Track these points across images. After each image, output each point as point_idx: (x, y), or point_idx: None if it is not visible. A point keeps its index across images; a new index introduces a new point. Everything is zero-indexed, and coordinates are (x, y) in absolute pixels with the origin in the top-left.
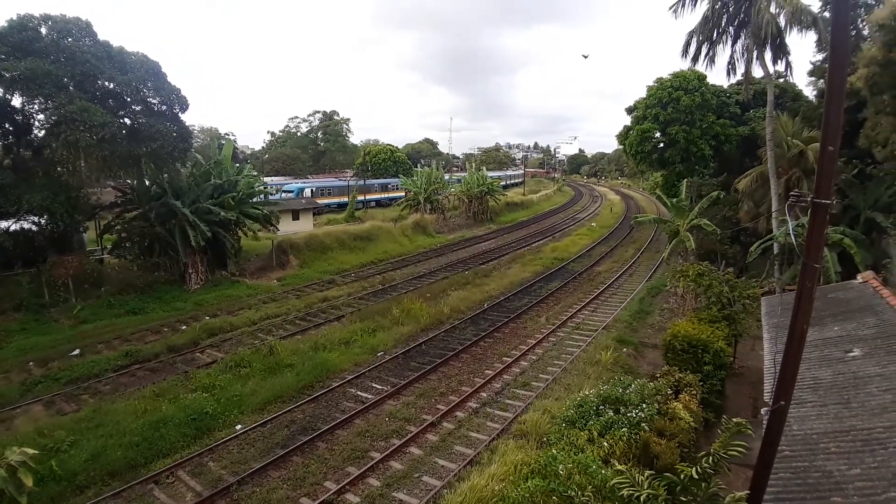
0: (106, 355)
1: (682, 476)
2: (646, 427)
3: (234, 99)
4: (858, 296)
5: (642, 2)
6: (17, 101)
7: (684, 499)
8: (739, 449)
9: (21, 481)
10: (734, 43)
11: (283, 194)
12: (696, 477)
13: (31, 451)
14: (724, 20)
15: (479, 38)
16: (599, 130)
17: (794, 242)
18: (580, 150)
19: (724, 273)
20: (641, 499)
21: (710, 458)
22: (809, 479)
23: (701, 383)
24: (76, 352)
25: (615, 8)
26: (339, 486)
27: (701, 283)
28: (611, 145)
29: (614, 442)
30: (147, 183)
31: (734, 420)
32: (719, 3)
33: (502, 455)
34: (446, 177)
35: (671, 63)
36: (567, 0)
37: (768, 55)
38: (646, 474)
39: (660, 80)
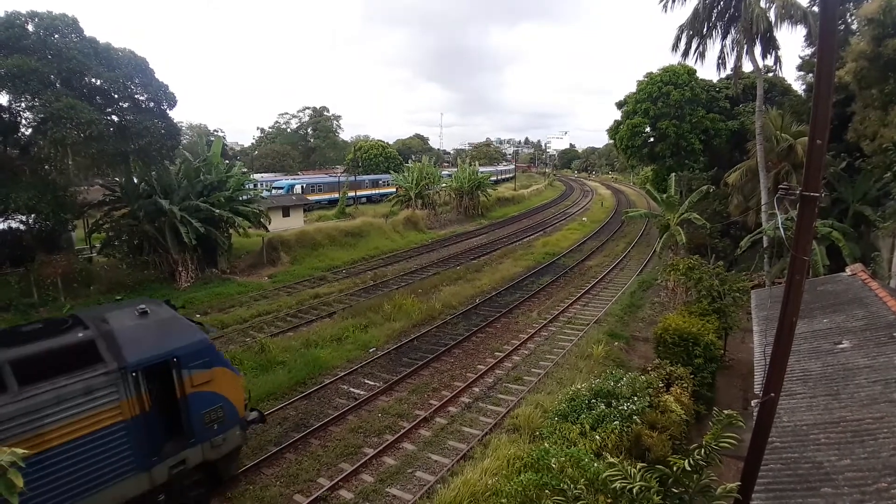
0: None
1: (674, 468)
2: (637, 420)
3: (223, 95)
4: (847, 288)
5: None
6: (3, 99)
7: (676, 491)
8: (731, 440)
9: (12, 482)
10: (724, 37)
11: (274, 191)
12: (689, 469)
13: (20, 451)
14: (714, 15)
15: (468, 35)
16: (590, 125)
17: (784, 236)
18: (571, 144)
19: (715, 266)
20: (634, 491)
21: (703, 450)
22: (800, 470)
23: (692, 376)
24: None
25: (603, 4)
26: (333, 482)
27: (691, 276)
28: (601, 140)
29: (606, 435)
30: (135, 181)
31: (725, 412)
32: None
33: (495, 449)
34: (443, 173)
35: (661, 57)
36: None
37: (758, 50)
38: (638, 466)
39: (650, 75)
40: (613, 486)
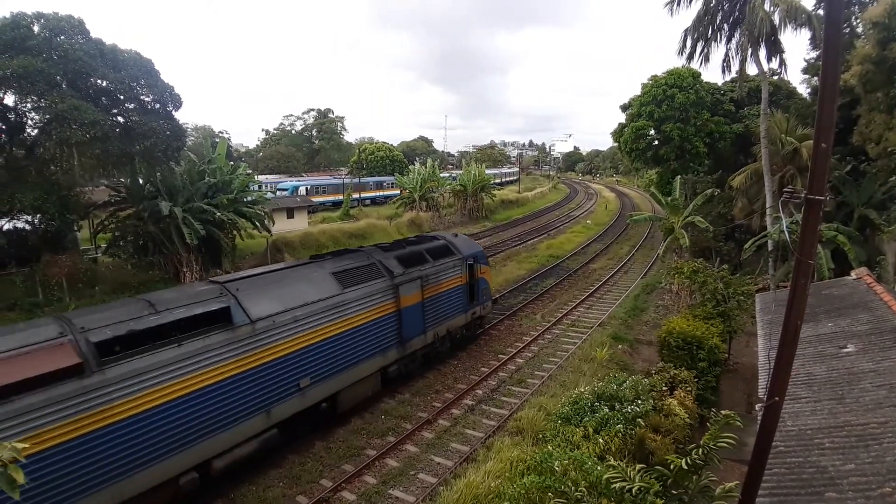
0: None
1: (672, 467)
2: (641, 423)
3: (228, 97)
4: (852, 292)
5: (635, 2)
6: (9, 100)
7: (675, 492)
8: (729, 440)
9: (12, 477)
10: (729, 41)
11: (278, 192)
12: (686, 468)
13: (20, 445)
14: (718, 18)
15: (472, 38)
16: (594, 128)
17: (788, 239)
18: (575, 147)
19: (719, 270)
20: (633, 491)
21: (701, 449)
22: (804, 475)
23: (696, 380)
24: None
25: (608, 8)
26: (336, 483)
27: (696, 279)
28: (606, 143)
29: (609, 438)
30: (140, 182)
31: (723, 412)
32: (714, 0)
33: (498, 452)
34: (444, 175)
35: (666, 58)
36: (557, 1)
37: (762, 53)
38: (637, 468)
39: (654, 78)
40: (614, 486)
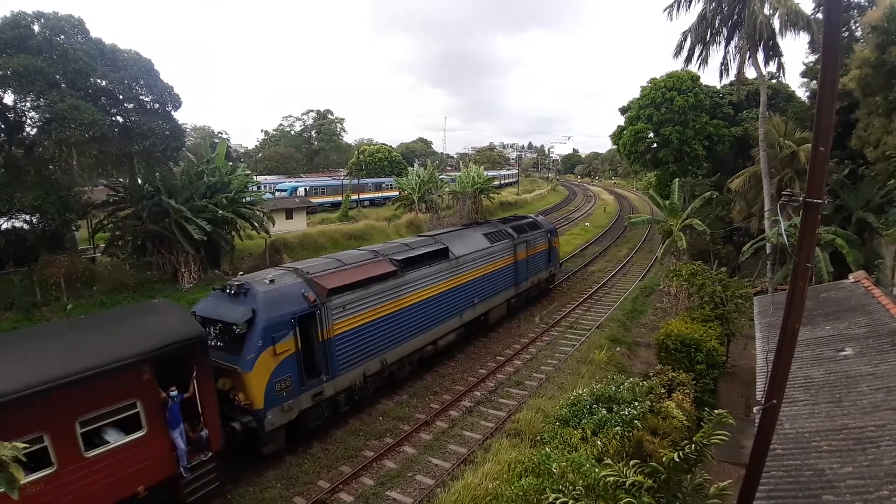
0: None
1: (664, 460)
2: (639, 425)
3: (228, 97)
4: (850, 295)
5: (634, 6)
6: (8, 99)
7: (668, 489)
8: (722, 438)
9: (13, 476)
10: (727, 44)
11: (277, 193)
12: (678, 460)
13: (21, 445)
14: (717, 21)
15: (473, 41)
16: (593, 131)
17: (787, 242)
18: (574, 149)
19: (717, 273)
20: (626, 485)
21: (693, 445)
22: (801, 478)
23: (694, 382)
24: None
25: (607, 12)
26: (333, 485)
27: (694, 282)
28: (605, 145)
29: (608, 440)
30: (140, 181)
31: (716, 411)
32: (713, 4)
33: (496, 454)
34: (442, 177)
35: (664, 63)
36: (558, 5)
37: (761, 56)
38: (631, 464)
39: (653, 81)
40: (607, 480)
